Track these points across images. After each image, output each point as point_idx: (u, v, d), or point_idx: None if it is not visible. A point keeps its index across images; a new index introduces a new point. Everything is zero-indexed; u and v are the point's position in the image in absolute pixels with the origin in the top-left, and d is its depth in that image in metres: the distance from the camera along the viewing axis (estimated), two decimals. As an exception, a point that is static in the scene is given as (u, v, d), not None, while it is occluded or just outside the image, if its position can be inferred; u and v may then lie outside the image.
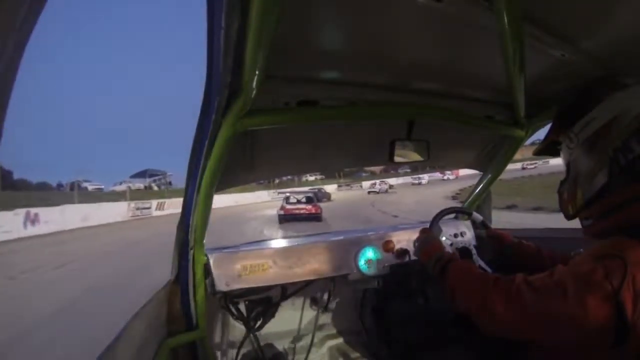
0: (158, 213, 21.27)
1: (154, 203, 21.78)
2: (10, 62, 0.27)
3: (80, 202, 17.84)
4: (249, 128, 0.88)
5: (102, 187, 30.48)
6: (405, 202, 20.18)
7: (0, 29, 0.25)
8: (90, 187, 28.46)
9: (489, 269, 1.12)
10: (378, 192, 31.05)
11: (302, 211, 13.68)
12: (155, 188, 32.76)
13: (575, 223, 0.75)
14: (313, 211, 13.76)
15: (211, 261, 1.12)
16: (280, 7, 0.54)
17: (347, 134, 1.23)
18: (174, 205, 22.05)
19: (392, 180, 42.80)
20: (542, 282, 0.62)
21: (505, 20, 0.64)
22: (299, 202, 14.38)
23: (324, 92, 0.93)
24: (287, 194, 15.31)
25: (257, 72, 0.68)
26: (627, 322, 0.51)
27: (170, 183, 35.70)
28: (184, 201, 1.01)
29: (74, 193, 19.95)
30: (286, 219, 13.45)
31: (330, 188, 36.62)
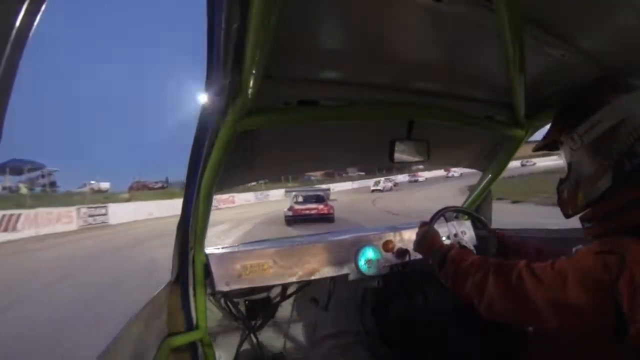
0: (4, 237, 11.62)
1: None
2: (10, 62, 0.27)
3: None
4: (249, 128, 0.88)
5: None
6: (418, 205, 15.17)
7: (0, 29, 0.25)
8: None
9: None
10: (382, 190, 30.24)
11: (312, 211, 12.26)
12: (24, 190, 19.69)
13: (577, 223, 0.74)
14: (325, 211, 12.30)
15: (211, 261, 1.12)
16: (281, 6, 0.54)
17: (347, 134, 1.23)
18: (42, 222, 13.20)
19: (349, 184, 39.01)
20: (543, 270, 0.62)
21: (505, 20, 0.64)
22: (308, 201, 12.92)
23: (324, 92, 0.93)
24: (295, 193, 13.94)
25: (257, 72, 0.68)
26: (625, 317, 0.52)
27: (53, 184, 23.57)
28: (184, 201, 1.01)
29: None
30: (295, 220, 12.11)
31: (277, 193, 29.65)
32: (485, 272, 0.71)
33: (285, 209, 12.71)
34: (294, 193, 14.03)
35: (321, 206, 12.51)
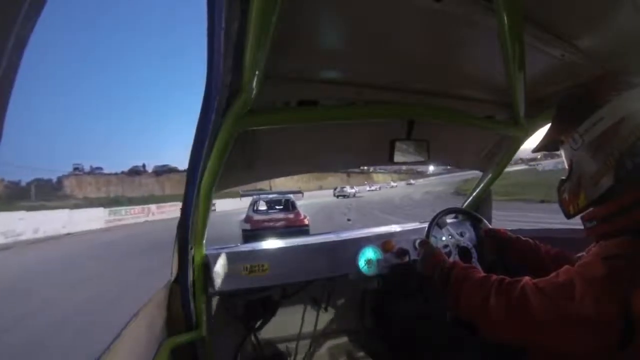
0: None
1: None
2: (10, 62, 0.27)
3: None
4: (249, 128, 0.88)
5: None
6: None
7: (0, 29, 0.25)
8: None
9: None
10: (347, 196, 33.54)
11: (279, 223, 8.55)
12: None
13: (577, 223, 0.74)
14: (298, 222, 8.53)
15: (211, 261, 1.12)
16: (280, 7, 0.54)
17: (347, 134, 1.23)
18: None
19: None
20: (547, 284, 0.61)
21: (505, 20, 0.64)
22: (273, 208, 9.44)
23: (324, 92, 0.93)
24: (256, 198, 9.69)
25: (257, 72, 0.68)
26: (634, 325, 0.50)
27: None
28: (184, 201, 1.01)
29: None
30: (254, 235, 8.01)
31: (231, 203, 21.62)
32: (487, 293, 0.69)
33: (242, 219, 8.87)
34: (253, 197, 9.94)
35: (291, 215, 8.82)
